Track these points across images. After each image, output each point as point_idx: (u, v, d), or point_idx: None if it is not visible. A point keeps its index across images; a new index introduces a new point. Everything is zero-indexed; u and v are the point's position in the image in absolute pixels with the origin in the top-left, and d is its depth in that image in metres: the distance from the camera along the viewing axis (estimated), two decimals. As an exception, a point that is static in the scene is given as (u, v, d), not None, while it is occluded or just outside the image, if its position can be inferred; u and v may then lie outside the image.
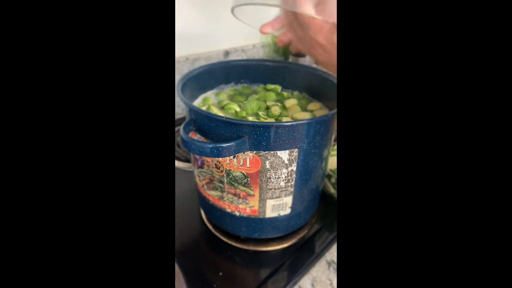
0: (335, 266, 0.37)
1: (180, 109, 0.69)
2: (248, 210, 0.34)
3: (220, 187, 0.33)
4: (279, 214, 0.35)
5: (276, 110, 0.35)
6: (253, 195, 0.32)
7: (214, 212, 0.37)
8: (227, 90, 0.43)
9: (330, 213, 0.44)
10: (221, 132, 0.28)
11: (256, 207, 0.34)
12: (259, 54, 0.81)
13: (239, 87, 0.44)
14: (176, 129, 0.63)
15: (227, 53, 0.73)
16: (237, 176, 0.31)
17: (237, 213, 0.35)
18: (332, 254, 0.39)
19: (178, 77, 0.64)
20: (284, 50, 0.79)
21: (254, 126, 0.27)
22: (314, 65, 0.64)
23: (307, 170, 0.32)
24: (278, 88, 0.42)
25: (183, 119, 0.68)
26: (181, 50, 0.65)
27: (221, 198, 0.35)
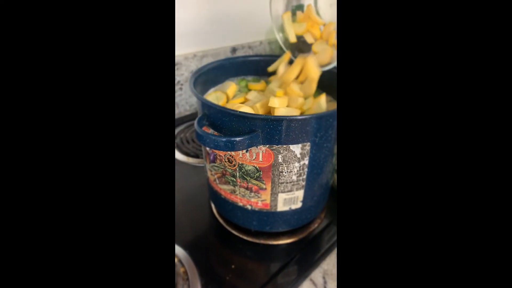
0: (345, 259, 0.37)
1: (188, 106, 0.70)
2: (260, 204, 0.35)
3: (232, 181, 0.34)
4: (290, 208, 0.35)
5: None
6: (265, 189, 0.33)
7: (226, 206, 0.38)
8: (237, 81, 0.43)
9: (340, 207, 0.45)
10: (234, 126, 0.29)
11: (268, 201, 0.34)
12: (265, 50, 0.81)
13: (249, 78, 0.44)
14: (185, 125, 0.63)
15: (234, 49, 0.73)
16: (249, 170, 0.32)
17: (249, 207, 0.35)
18: (342, 248, 0.39)
19: (186, 73, 0.65)
20: (291, 47, 0.79)
21: (267, 120, 0.27)
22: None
23: (318, 164, 0.32)
24: None
25: (192, 115, 0.68)
26: (189, 47, 0.65)
27: (233, 192, 0.35)
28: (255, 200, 0.34)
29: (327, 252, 0.38)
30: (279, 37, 0.42)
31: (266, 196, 0.34)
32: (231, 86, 0.40)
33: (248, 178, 0.32)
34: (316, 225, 0.41)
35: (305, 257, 0.37)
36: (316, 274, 0.35)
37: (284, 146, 0.29)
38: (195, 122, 0.29)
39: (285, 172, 0.31)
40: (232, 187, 0.35)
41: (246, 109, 0.32)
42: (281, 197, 0.34)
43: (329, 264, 0.37)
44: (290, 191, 0.33)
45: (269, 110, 0.34)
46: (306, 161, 0.31)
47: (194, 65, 0.66)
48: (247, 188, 0.34)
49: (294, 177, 0.32)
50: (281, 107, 0.33)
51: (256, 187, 0.33)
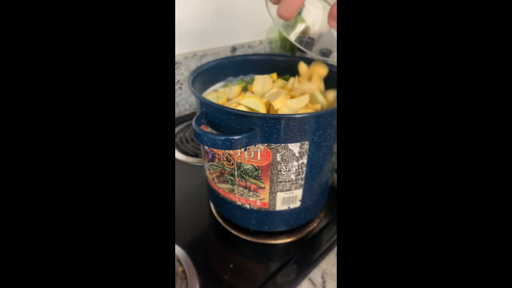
0: (344, 259, 0.37)
1: (188, 105, 0.69)
2: (258, 203, 0.34)
3: (231, 180, 0.34)
4: (289, 207, 0.35)
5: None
6: (264, 187, 0.33)
7: (224, 205, 0.38)
8: (235, 82, 0.43)
9: (339, 207, 0.45)
10: (233, 125, 0.29)
11: (267, 200, 0.34)
12: (265, 50, 0.81)
13: (247, 78, 0.44)
14: (184, 125, 0.63)
15: (234, 49, 0.73)
16: (248, 169, 0.31)
17: (247, 206, 0.35)
18: (341, 247, 0.39)
19: (186, 73, 0.65)
20: (291, 46, 0.79)
21: (265, 118, 0.27)
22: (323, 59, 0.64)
23: (317, 163, 0.32)
24: (288, 77, 0.42)
25: (192, 114, 0.68)
26: (189, 46, 0.65)
27: (232, 191, 0.35)
28: (254, 199, 0.34)
29: (326, 251, 0.38)
30: (287, 35, 0.41)
31: (264, 195, 0.33)
32: (237, 88, 0.39)
33: (246, 177, 0.32)
34: (315, 224, 0.41)
35: (304, 256, 0.37)
36: (315, 274, 0.35)
37: (283, 144, 0.29)
38: (193, 120, 0.29)
39: (284, 171, 0.31)
40: (230, 186, 0.34)
41: (243, 107, 0.32)
42: (280, 196, 0.34)
43: (328, 264, 0.36)
44: (289, 190, 0.33)
45: (269, 109, 0.34)
46: (304, 160, 0.31)
47: (194, 64, 0.66)
48: (245, 187, 0.33)
49: (293, 176, 0.32)
50: (284, 107, 0.33)
51: (254, 186, 0.33)
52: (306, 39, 0.67)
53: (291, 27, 0.76)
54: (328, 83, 0.41)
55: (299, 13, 0.79)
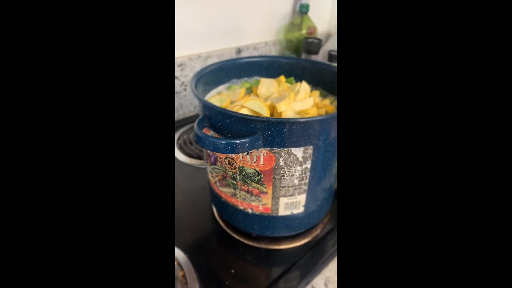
0: (348, 266, 0.36)
1: (192, 107, 0.69)
2: (260, 208, 0.34)
3: (233, 184, 0.33)
4: (292, 213, 0.35)
5: None
6: (266, 192, 0.32)
7: (226, 209, 0.37)
8: (239, 83, 0.43)
9: (344, 212, 0.44)
10: (235, 129, 0.28)
11: (269, 205, 0.33)
12: (271, 51, 0.80)
13: (252, 80, 0.43)
14: (188, 127, 0.63)
15: (239, 50, 0.73)
16: (250, 173, 0.31)
17: (250, 211, 0.35)
18: (345, 254, 0.38)
19: (191, 74, 0.65)
20: (296, 48, 0.78)
21: (268, 123, 0.27)
22: (327, 62, 0.63)
23: (321, 168, 0.32)
24: (292, 80, 0.42)
25: (196, 116, 0.68)
26: (194, 48, 0.65)
27: (234, 195, 0.34)
28: (256, 203, 0.34)
29: (330, 258, 0.37)
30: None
31: (267, 200, 0.33)
32: (241, 91, 0.39)
33: (248, 181, 0.32)
34: (319, 230, 0.40)
35: (307, 263, 0.36)
36: (318, 281, 0.34)
37: (286, 149, 0.29)
38: (195, 123, 0.29)
39: (287, 176, 0.31)
40: (232, 190, 0.34)
41: (247, 110, 0.32)
42: (283, 201, 0.33)
43: (332, 271, 0.36)
44: (292, 195, 0.33)
45: (272, 112, 0.33)
46: (308, 164, 0.30)
47: (199, 66, 0.65)
48: (247, 192, 0.33)
49: (296, 181, 0.31)
50: (288, 110, 0.32)
51: (257, 190, 0.32)
52: (310, 41, 0.66)
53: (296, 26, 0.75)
54: (330, 86, 0.40)
55: (306, 12, 0.78)
